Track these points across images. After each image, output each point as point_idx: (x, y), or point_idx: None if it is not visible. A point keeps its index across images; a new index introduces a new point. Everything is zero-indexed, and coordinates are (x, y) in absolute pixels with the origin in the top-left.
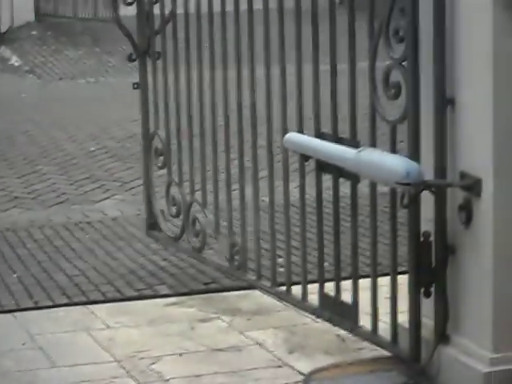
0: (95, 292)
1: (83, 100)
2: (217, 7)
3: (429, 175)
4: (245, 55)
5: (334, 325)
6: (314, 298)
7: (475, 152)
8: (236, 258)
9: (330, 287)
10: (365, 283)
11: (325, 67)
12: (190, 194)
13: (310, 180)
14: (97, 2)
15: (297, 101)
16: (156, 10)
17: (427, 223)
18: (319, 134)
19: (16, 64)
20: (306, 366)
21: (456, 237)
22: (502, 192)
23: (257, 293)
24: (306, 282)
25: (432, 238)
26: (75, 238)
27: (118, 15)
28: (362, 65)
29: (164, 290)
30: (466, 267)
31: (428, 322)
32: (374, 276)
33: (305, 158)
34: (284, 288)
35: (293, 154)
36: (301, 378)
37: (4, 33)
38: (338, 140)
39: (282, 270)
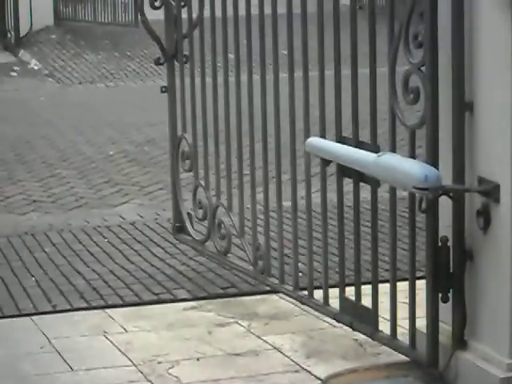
0: (113, 296)
1: (102, 104)
2: (242, 11)
3: (447, 180)
4: (268, 60)
5: (354, 329)
6: (335, 303)
7: (493, 157)
8: (260, 261)
9: (351, 291)
10: (384, 288)
11: (346, 72)
12: (216, 197)
13: (330, 184)
14: (116, 6)
15: (319, 105)
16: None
17: (445, 228)
18: (340, 139)
19: (35, 68)
20: (323, 370)
21: (474, 242)
22: None
23: (274, 297)
24: (327, 287)
25: (450, 244)
26: (93, 242)
27: (146, 19)
28: (384, 70)
29: (182, 294)
30: (484, 273)
31: (446, 327)
32: (393, 281)
33: (326, 162)
34: (306, 292)
35: (314, 158)
36: (318, 382)
37: (23, 37)
38: (359, 144)
39: (301, 274)
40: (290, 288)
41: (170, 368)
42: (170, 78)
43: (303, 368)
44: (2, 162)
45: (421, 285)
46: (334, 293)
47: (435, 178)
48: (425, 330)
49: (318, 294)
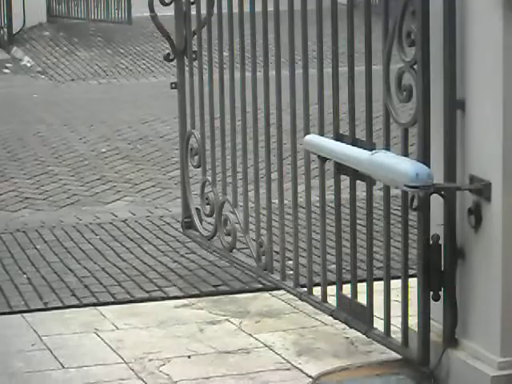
0: (105, 293)
1: (95, 101)
2: (246, 7)
3: (439, 178)
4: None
5: (350, 326)
6: (334, 300)
7: (485, 155)
8: (262, 258)
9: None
10: (380, 286)
11: (342, 69)
12: (222, 193)
13: (327, 182)
14: (109, 3)
15: (318, 103)
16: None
17: (437, 227)
18: (337, 136)
19: (28, 65)
20: (314, 368)
21: (465, 240)
22: (511, 196)
23: (266, 295)
24: (326, 284)
25: (441, 242)
26: (85, 240)
27: (156, 15)
28: (380, 68)
29: (174, 291)
30: (476, 271)
31: (437, 325)
32: (387, 279)
33: (323, 159)
34: (306, 289)
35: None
36: (309, 380)
37: (16, 33)
38: (355, 142)
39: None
40: (291, 285)
41: (161, 365)
42: (179, 74)
43: (294, 366)
44: None
45: (414, 283)
46: (333, 290)
47: (426, 176)
48: (416, 329)
49: (318, 291)
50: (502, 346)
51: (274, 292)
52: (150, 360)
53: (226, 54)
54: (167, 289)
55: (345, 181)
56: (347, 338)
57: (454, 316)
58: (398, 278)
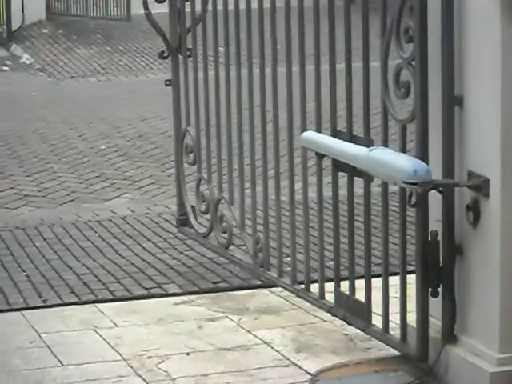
0: (104, 290)
1: (94, 98)
2: (242, 5)
3: (437, 175)
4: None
5: (348, 323)
6: (331, 296)
7: (483, 151)
8: (259, 255)
9: (347, 285)
10: (378, 282)
11: (340, 66)
12: (218, 190)
13: (325, 178)
14: (108, 0)
15: (315, 100)
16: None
17: (435, 223)
18: (335, 133)
19: (27, 62)
20: (313, 365)
21: (464, 237)
22: (509, 192)
23: (265, 292)
24: (323, 281)
25: (440, 238)
26: (84, 237)
27: (150, 13)
28: (377, 64)
29: (173, 288)
30: (474, 267)
31: (436, 321)
32: (386, 275)
33: (321, 156)
34: (303, 286)
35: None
36: (308, 377)
37: (15, 31)
38: (352, 138)
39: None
40: (288, 282)
41: (159, 362)
42: (174, 71)
43: (293, 362)
44: None
45: (412, 279)
46: (331, 287)
47: (424, 172)
48: (415, 325)
49: (316, 288)
50: (500, 343)
51: (273, 289)
52: (149, 357)
53: (221, 49)
54: (166, 286)
55: (343, 178)
56: (346, 334)
57: (452, 312)
58: (396, 274)
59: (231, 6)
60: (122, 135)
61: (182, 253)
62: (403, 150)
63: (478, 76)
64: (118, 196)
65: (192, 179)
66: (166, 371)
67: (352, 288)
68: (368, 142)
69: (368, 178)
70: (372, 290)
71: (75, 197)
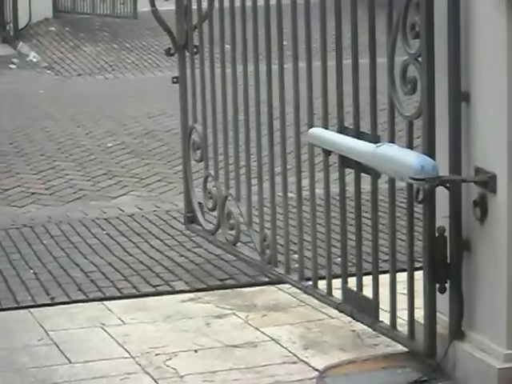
0: (111, 288)
1: (101, 96)
2: (249, 2)
3: (444, 171)
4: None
5: (356, 319)
6: (339, 293)
7: (490, 147)
8: (267, 251)
9: (355, 282)
10: (385, 279)
11: (347, 62)
12: (225, 187)
13: (332, 175)
14: None
15: (322, 96)
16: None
17: (442, 219)
18: (342, 129)
19: (34, 60)
20: (320, 362)
21: (471, 233)
22: None
23: (273, 289)
24: (330, 277)
25: (447, 234)
26: (92, 234)
27: (156, 10)
28: (384, 60)
29: (180, 285)
30: (481, 263)
31: (443, 317)
32: (393, 271)
33: (327, 152)
34: (311, 282)
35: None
36: (315, 374)
37: (22, 29)
38: (359, 135)
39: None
40: (296, 278)
41: (167, 360)
42: (181, 68)
43: (301, 359)
44: (0, 154)
45: (420, 275)
46: (338, 283)
47: (431, 168)
48: (423, 321)
49: (323, 285)
50: (508, 338)
51: (281, 285)
52: (157, 354)
53: (227, 47)
54: (174, 283)
55: (350, 174)
56: (353, 331)
57: (460, 308)
58: (403, 270)
59: (238, 3)
60: (129, 133)
61: (189, 250)
62: (410, 146)
63: (484, 72)
64: (125, 194)
65: (199, 176)
66: (173, 368)
67: (359, 284)
68: (375, 139)
69: (375, 175)
70: (379, 286)
71: (82, 194)
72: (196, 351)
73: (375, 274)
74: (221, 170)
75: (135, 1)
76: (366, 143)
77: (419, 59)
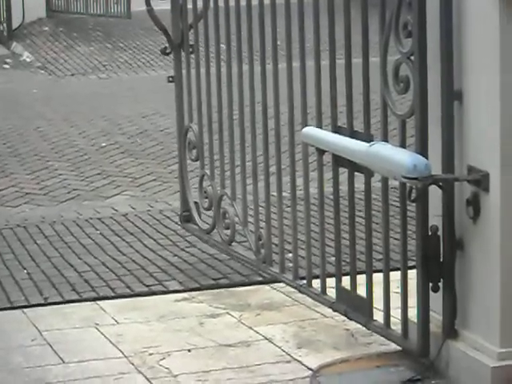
0: (105, 288)
1: (95, 96)
2: (243, 1)
3: (437, 169)
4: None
5: (350, 318)
6: (333, 292)
7: (483, 146)
8: (262, 251)
9: (348, 281)
10: (378, 277)
11: (340, 61)
12: (221, 187)
13: (326, 174)
14: None
15: (316, 95)
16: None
17: (435, 218)
18: (335, 128)
19: (27, 60)
20: (314, 361)
21: (464, 231)
22: (509, 186)
23: (266, 288)
24: (325, 276)
25: (440, 233)
26: (85, 234)
27: (152, 9)
28: (377, 59)
29: (174, 285)
30: (474, 262)
31: (436, 316)
32: (387, 270)
33: (321, 151)
34: (305, 281)
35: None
36: (309, 373)
37: (15, 29)
38: (353, 134)
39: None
40: (290, 277)
41: (161, 359)
42: (176, 68)
43: (294, 358)
44: None
45: (413, 274)
46: (332, 282)
47: (424, 167)
48: (416, 320)
49: (317, 284)
50: (501, 337)
51: (275, 285)
52: (151, 354)
53: (222, 46)
54: (167, 283)
55: (344, 173)
56: (347, 329)
57: (453, 307)
58: (397, 269)
59: (232, 2)
60: (123, 132)
61: (183, 250)
62: (403, 145)
63: (477, 70)
64: (119, 193)
65: (195, 175)
66: (167, 368)
67: (353, 283)
68: (368, 138)
69: (368, 174)
70: (373, 285)
71: (76, 194)
72: (189, 351)
73: (369, 272)
74: (216, 169)
75: (129, 0)
76: (360, 142)
77: (412, 58)
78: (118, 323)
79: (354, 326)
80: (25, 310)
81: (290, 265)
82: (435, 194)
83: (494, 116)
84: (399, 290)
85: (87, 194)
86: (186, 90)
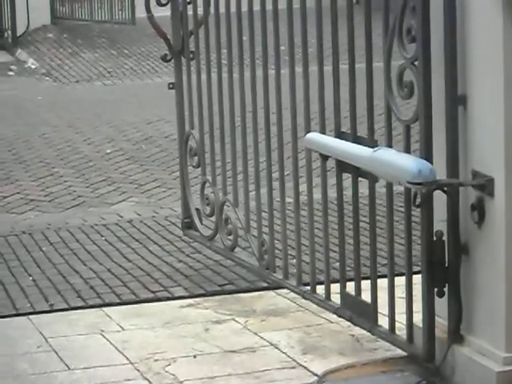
0: (110, 294)
1: (99, 102)
2: (244, 7)
3: (441, 174)
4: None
5: (354, 324)
6: (338, 298)
7: (487, 151)
8: (265, 257)
9: (353, 286)
10: (383, 283)
11: (344, 66)
12: (223, 193)
13: (330, 180)
14: (113, 4)
15: (319, 101)
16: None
17: (440, 223)
18: (339, 134)
19: (32, 67)
20: (320, 366)
21: (469, 236)
22: None
23: (272, 294)
24: (329, 282)
25: (445, 238)
26: (91, 241)
27: (152, 16)
28: (381, 65)
29: (179, 291)
30: (479, 267)
31: (442, 321)
32: (392, 276)
33: (325, 157)
34: (309, 287)
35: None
36: (314, 378)
37: (20, 36)
38: (356, 139)
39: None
40: (294, 283)
41: (166, 366)
42: (177, 74)
43: (300, 364)
44: None
45: (418, 279)
46: (337, 288)
47: (429, 172)
48: (421, 325)
49: (322, 290)
50: (507, 342)
51: (279, 291)
52: (156, 360)
53: (224, 52)
54: (173, 289)
55: (347, 179)
56: (352, 335)
57: (458, 312)
58: (402, 274)
59: (233, 9)
60: (128, 139)
61: (188, 256)
62: (407, 150)
63: (481, 75)
64: (124, 200)
65: (197, 182)
66: (172, 374)
67: (358, 289)
68: (372, 143)
69: (373, 179)
70: (378, 290)
71: (81, 201)
72: (195, 357)
73: (374, 278)
74: (218, 175)
75: (133, 7)
76: (364, 148)
77: (416, 63)
78: (123, 329)
79: (359, 331)
80: (30, 316)
81: (294, 271)
82: (440, 199)
83: (498, 120)
84: (404, 295)
85: (92, 201)
86: (187, 97)
